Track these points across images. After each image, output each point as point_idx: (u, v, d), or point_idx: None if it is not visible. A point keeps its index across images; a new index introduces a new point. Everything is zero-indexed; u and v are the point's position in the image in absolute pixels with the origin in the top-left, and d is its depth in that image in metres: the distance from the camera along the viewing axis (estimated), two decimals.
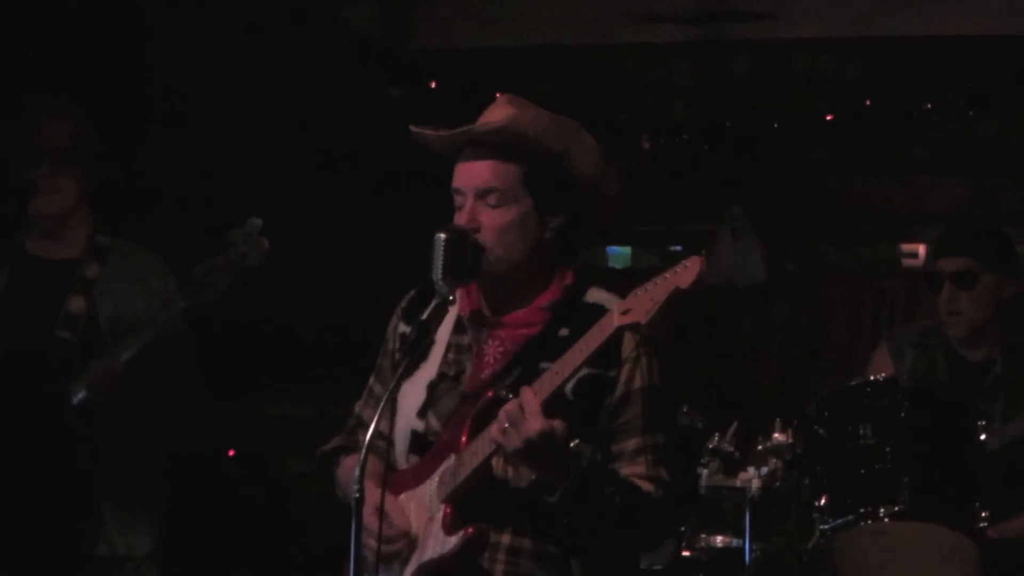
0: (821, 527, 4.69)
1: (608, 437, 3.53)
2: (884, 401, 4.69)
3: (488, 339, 3.61)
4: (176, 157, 6.53)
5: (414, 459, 3.65)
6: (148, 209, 6.12)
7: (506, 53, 6.77)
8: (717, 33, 6.67)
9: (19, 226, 4.83)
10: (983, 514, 4.57)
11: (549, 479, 3.39)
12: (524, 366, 3.51)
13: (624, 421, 3.52)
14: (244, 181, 6.46)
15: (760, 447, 5.06)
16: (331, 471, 3.83)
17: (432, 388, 3.65)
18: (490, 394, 3.48)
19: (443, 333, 3.67)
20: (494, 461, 3.47)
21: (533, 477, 3.43)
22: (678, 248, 7.05)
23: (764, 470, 5.02)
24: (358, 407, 3.87)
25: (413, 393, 3.65)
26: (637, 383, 3.52)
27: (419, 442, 3.64)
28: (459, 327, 3.68)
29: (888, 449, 4.64)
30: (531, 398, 3.32)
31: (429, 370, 3.67)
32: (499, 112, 3.56)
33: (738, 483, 5.09)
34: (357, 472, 3.34)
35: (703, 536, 5.24)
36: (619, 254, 7.30)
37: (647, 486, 3.50)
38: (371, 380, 3.85)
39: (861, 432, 4.68)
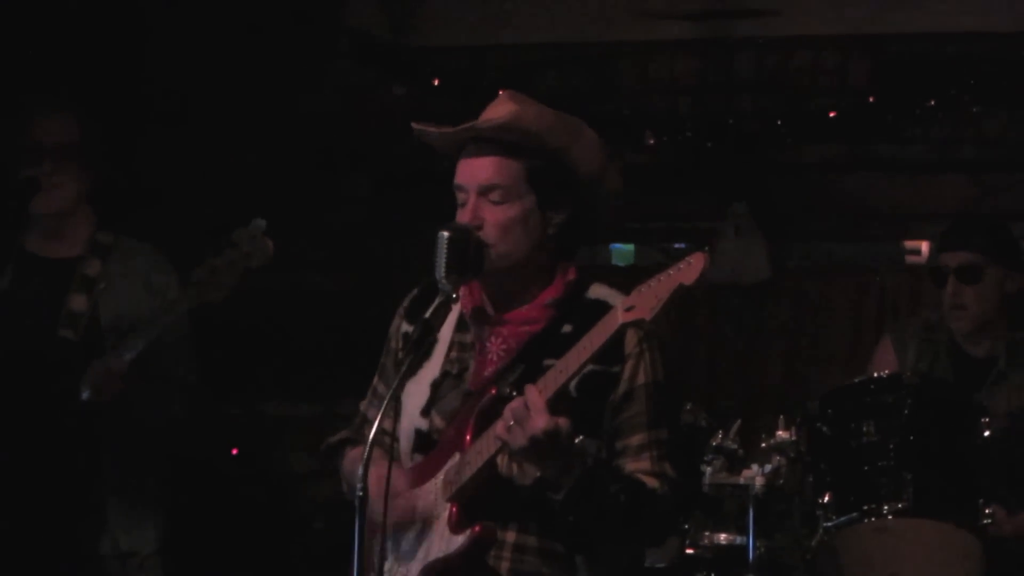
0: (824, 524, 4.69)
1: (612, 433, 3.53)
2: (887, 398, 4.69)
3: (491, 336, 3.61)
4: (178, 156, 6.53)
5: (418, 458, 3.64)
6: (150, 208, 6.12)
7: (509, 50, 6.77)
8: (721, 30, 6.66)
9: (20, 225, 4.83)
10: (986, 511, 4.57)
11: (554, 476, 3.38)
12: (527, 363, 3.51)
13: (628, 417, 3.52)
14: (246, 179, 6.45)
15: (763, 444, 5.06)
16: (336, 463, 3.82)
17: (435, 386, 3.65)
18: (493, 392, 3.48)
19: (446, 331, 3.66)
20: (499, 459, 3.46)
21: (538, 475, 3.43)
22: (681, 245, 7.04)
23: (767, 468, 5.02)
24: (363, 406, 3.87)
25: (417, 392, 3.65)
26: (641, 379, 3.52)
27: (423, 441, 3.64)
28: (462, 325, 3.68)
29: (891, 446, 4.63)
30: (536, 396, 3.32)
31: (432, 368, 3.66)
32: (501, 108, 3.55)
33: (742, 481, 5.08)
34: (360, 471, 3.33)
35: (707, 534, 5.24)
36: (622, 251, 7.29)
37: (652, 482, 3.50)
38: (375, 379, 3.85)
39: (864, 429, 4.68)
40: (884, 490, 4.60)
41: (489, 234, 3.52)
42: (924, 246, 7.00)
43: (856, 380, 4.84)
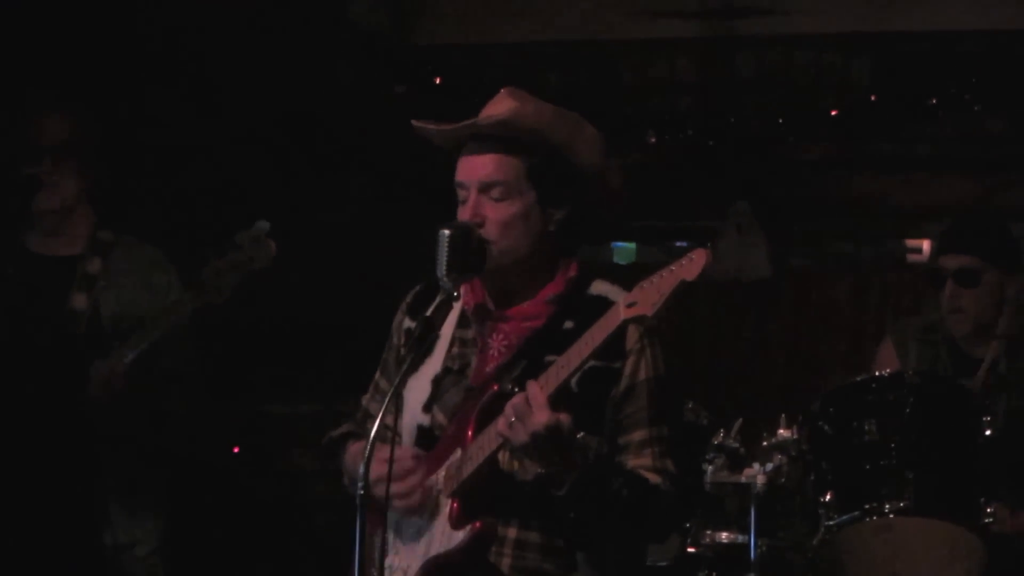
0: (826, 523, 4.68)
1: (614, 429, 3.53)
2: (889, 397, 4.68)
3: (492, 333, 3.61)
4: (180, 154, 6.53)
5: (420, 452, 3.64)
6: (152, 206, 6.12)
7: (511, 49, 6.78)
8: (723, 29, 6.66)
9: (21, 223, 4.83)
10: (988, 510, 4.57)
11: (556, 472, 3.39)
12: (529, 359, 3.51)
13: (630, 413, 3.52)
14: (248, 177, 6.46)
15: (765, 443, 5.05)
16: (338, 456, 3.83)
17: (437, 383, 3.65)
18: (495, 388, 3.48)
19: (447, 327, 3.67)
20: (501, 455, 3.47)
21: (540, 471, 3.43)
22: (683, 243, 7.05)
23: (769, 466, 5.02)
24: (364, 400, 3.87)
25: (418, 388, 3.65)
26: (642, 375, 3.52)
27: (425, 436, 3.64)
28: (463, 321, 3.68)
29: (893, 445, 4.62)
30: (537, 392, 3.32)
31: (434, 365, 3.67)
32: (501, 105, 3.56)
33: (743, 479, 5.08)
34: (362, 469, 3.34)
35: (708, 532, 5.23)
36: (624, 249, 7.30)
37: (654, 478, 3.50)
38: (376, 375, 3.86)
39: (866, 428, 4.67)
40: (886, 489, 4.59)
41: (490, 231, 3.52)
42: (925, 244, 7.00)
43: (858, 379, 4.83)
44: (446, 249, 3.47)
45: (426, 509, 3.55)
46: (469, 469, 3.45)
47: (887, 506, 4.57)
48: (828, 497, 4.69)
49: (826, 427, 4.79)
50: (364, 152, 6.71)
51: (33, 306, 4.75)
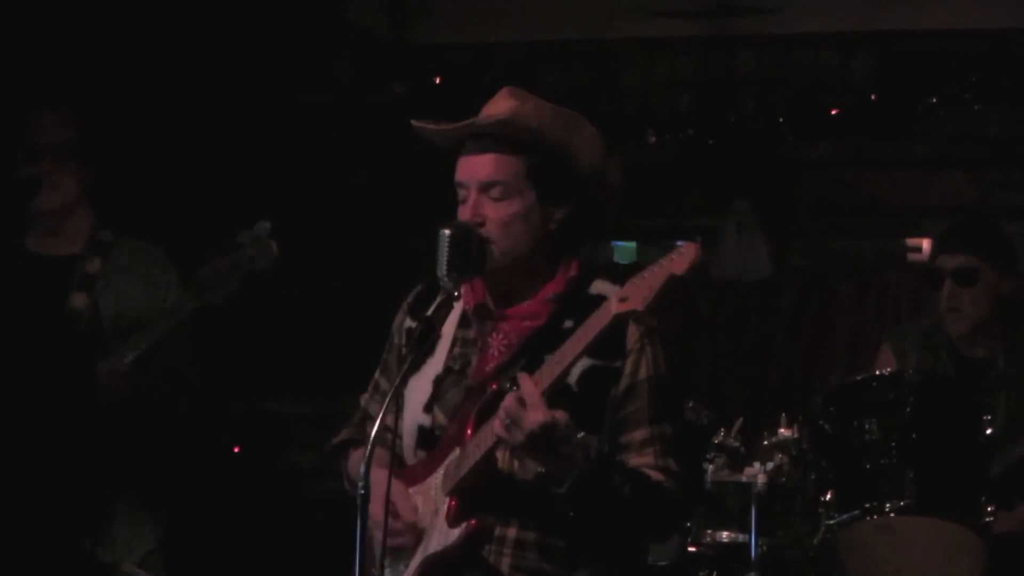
0: (827, 522, 4.69)
1: (615, 428, 3.52)
2: (889, 396, 4.69)
3: (493, 332, 3.61)
4: (180, 153, 6.53)
5: (421, 454, 3.64)
6: (152, 206, 6.12)
7: (511, 47, 6.77)
8: (722, 28, 6.66)
9: (21, 223, 4.83)
10: (989, 508, 4.57)
11: (556, 471, 3.38)
12: (529, 358, 3.50)
13: (631, 412, 3.52)
14: (248, 177, 6.45)
15: (766, 442, 5.06)
16: (339, 464, 3.83)
17: (438, 383, 3.65)
18: (494, 387, 3.48)
19: (448, 327, 3.67)
20: (499, 454, 3.46)
21: (540, 470, 3.43)
22: (683, 243, 7.03)
23: (770, 465, 5.02)
24: (363, 400, 3.87)
25: (419, 388, 3.65)
26: (643, 373, 3.52)
27: (426, 437, 3.64)
28: (464, 321, 3.68)
29: (893, 444, 4.63)
30: (532, 389, 3.32)
31: (435, 365, 3.67)
32: (501, 105, 3.55)
33: (744, 478, 5.08)
34: (362, 469, 3.34)
35: (709, 531, 5.23)
36: (624, 249, 7.29)
37: (656, 476, 3.50)
38: (376, 375, 3.85)
39: (867, 427, 4.67)
40: (886, 488, 4.60)
41: (490, 230, 3.52)
42: (926, 243, 6.99)
43: (858, 378, 4.84)
44: (447, 249, 3.47)
45: (412, 548, 3.55)
46: (466, 467, 3.45)
47: (888, 505, 4.57)
48: (829, 496, 4.70)
49: (827, 426, 4.79)
50: (364, 151, 6.71)
51: (32, 306, 4.74)
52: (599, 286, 3.60)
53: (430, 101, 6.45)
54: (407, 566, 3.55)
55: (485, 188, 3.53)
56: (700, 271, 3.27)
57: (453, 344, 3.67)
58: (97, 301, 4.76)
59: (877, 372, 4.84)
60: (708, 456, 5.17)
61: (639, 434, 3.51)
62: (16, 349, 4.64)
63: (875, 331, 6.26)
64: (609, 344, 3.41)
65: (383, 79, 6.68)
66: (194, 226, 5.85)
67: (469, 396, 3.57)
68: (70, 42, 6.03)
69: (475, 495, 3.48)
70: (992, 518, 4.57)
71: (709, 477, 5.15)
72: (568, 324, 3.50)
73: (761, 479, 5.03)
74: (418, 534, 3.55)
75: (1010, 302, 5.05)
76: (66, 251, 4.83)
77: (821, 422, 4.81)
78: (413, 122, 3.66)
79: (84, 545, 4.43)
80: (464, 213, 3.55)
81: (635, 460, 3.51)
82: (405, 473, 3.63)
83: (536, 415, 3.29)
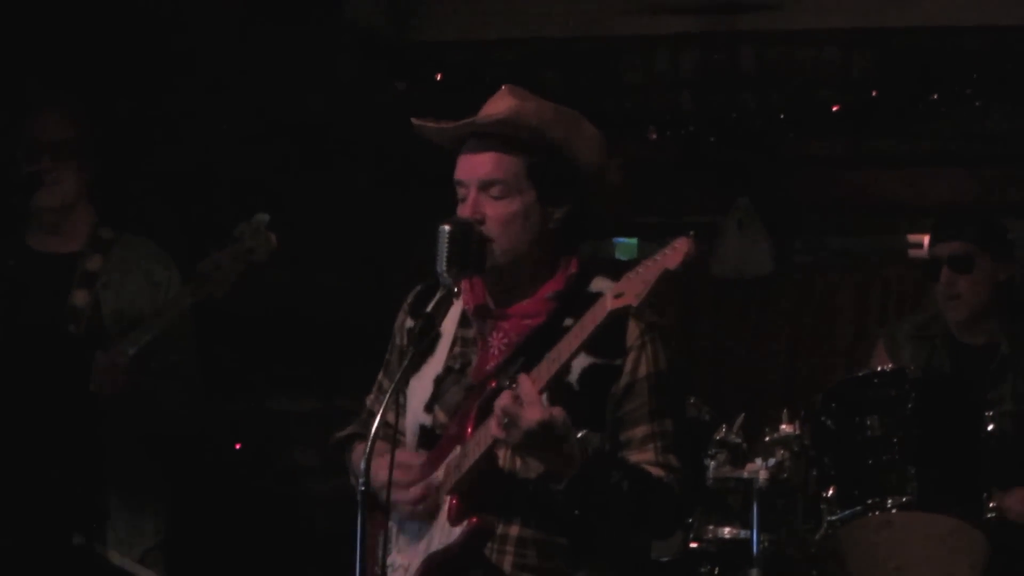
0: (828, 518, 4.69)
1: (616, 426, 3.53)
2: (891, 392, 4.69)
3: (493, 331, 3.61)
4: (180, 152, 6.53)
5: (422, 453, 3.64)
6: (152, 203, 6.12)
7: (512, 45, 6.77)
8: (724, 24, 6.66)
9: (22, 221, 4.83)
10: (990, 505, 4.57)
11: (555, 468, 3.38)
12: (529, 356, 3.50)
13: (631, 409, 3.52)
14: (249, 175, 6.45)
15: (767, 438, 5.06)
16: (344, 457, 3.83)
17: (439, 382, 3.65)
18: (494, 385, 3.48)
19: (449, 327, 3.67)
20: (501, 452, 3.47)
21: (541, 468, 3.43)
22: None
23: (771, 461, 5.02)
24: (368, 401, 3.88)
25: (420, 387, 3.66)
26: (643, 371, 3.52)
27: (427, 436, 3.65)
28: (464, 321, 3.68)
29: (895, 440, 4.64)
30: (529, 386, 3.32)
31: (436, 364, 3.67)
32: (501, 103, 3.55)
33: (745, 474, 5.08)
34: (363, 465, 3.34)
35: (711, 528, 5.23)
36: (625, 245, 7.29)
37: (657, 472, 3.50)
38: (380, 375, 3.86)
39: (868, 423, 4.68)
40: (888, 484, 4.61)
41: (490, 229, 3.52)
42: (927, 239, 6.99)
43: (860, 374, 4.85)
44: (446, 245, 3.48)
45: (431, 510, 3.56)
46: (467, 465, 3.45)
47: (889, 501, 4.58)
48: (830, 492, 4.71)
49: (828, 422, 4.80)
50: (364, 150, 6.70)
51: (34, 303, 4.75)
52: (599, 283, 3.60)
53: (431, 99, 6.44)
54: (412, 535, 3.55)
55: (485, 187, 3.53)
56: (694, 265, 3.28)
57: (453, 343, 3.68)
58: (98, 298, 4.76)
59: (879, 369, 4.85)
60: (710, 452, 5.17)
61: (640, 431, 3.52)
62: (14, 348, 4.65)
63: (877, 327, 6.25)
64: (609, 342, 3.42)
65: (383, 78, 6.68)
66: (194, 225, 5.85)
67: (470, 395, 3.58)
68: (71, 40, 6.03)
69: (476, 494, 3.48)
70: (994, 514, 4.58)
71: (711, 473, 5.15)
72: (568, 322, 3.49)
73: (763, 475, 5.03)
74: (435, 504, 3.54)
75: (1010, 289, 5.06)
76: (67, 249, 4.83)
77: (823, 418, 4.82)
78: (413, 121, 3.66)
79: (74, 539, 4.44)
80: (464, 212, 3.55)
81: (636, 457, 3.51)
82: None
83: (533, 413, 3.29)
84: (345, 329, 6.30)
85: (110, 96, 5.82)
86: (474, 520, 3.44)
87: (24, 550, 4.54)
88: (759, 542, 5.05)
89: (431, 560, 3.50)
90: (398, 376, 3.47)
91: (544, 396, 3.34)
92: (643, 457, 3.51)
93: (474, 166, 3.55)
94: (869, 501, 4.61)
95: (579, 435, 3.39)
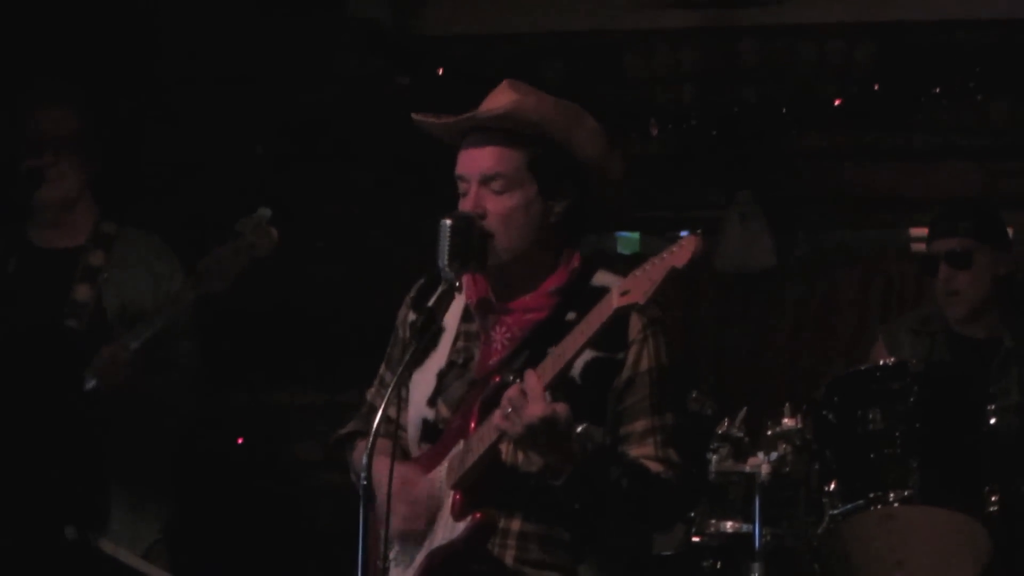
0: (831, 512, 4.69)
1: (617, 420, 3.53)
2: (893, 386, 4.69)
3: (496, 325, 3.61)
4: (182, 146, 6.53)
5: (425, 447, 3.65)
6: (154, 198, 6.12)
7: (513, 39, 6.76)
8: (725, 18, 6.65)
9: (24, 216, 4.83)
10: (992, 498, 4.57)
11: (555, 463, 3.38)
12: (531, 351, 3.51)
13: (632, 403, 3.53)
14: (251, 170, 6.45)
15: (769, 432, 5.05)
16: (346, 455, 3.84)
17: (441, 376, 3.66)
18: (497, 379, 3.48)
19: (452, 322, 3.67)
20: (503, 447, 3.47)
21: (543, 462, 3.43)
22: (686, 233, 7.02)
23: (773, 455, 5.01)
24: (370, 395, 3.87)
25: (423, 382, 3.66)
26: (644, 365, 3.52)
27: (429, 430, 3.65)
28: (467, 315, 3.69)
29: (897, 434, 4.64)
30: (535, 382, 3.32)
31: (439, 359, 3.67)
32: (502, 98, 3.56)
33: (747, 468, 5.07)
34: (364, 460, 3.34)
35: (713, 522, 5.23)
36: (628, 239, 7.28)
37: (656, 467, 3.50)
38: (382, 369, 3.86)
39: (870, 417, 4.68)
40: (890, 478, 4.60)
41: (492, 224, 3.53)
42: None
43: (862, 368, 4.85)
44: (448, 239, 3.48)
45: (427, 528, 3.55)
46: (470, 460, 3.46)
47: (891, 495, 4.58)
48: (832, 486, 4.71)
49: (830, 416, 4.80)
50: (367, 143, 6.70)
51: (36, 298, 4.75)
52: (601, 277, 3.60)
53: (433, 93, 6.43)
54: (418, 551, 3.56)
55: (486, 181, 3.53)
56: (701, 263, 3.27)
57: (456, 338, 3.68)
58: (100, 293, 4.76)
59: (881, 362, 4.84)
60: (712, 446, 5.16)
61: (640, 425, 3.52)
62: (14, 345, 4.65)
63: (879, 321, 6.25)
64: (611, 336, 3.42)
65: (386, 71, 6.67)
66: (196, 219, 5.85)
67: (472, 389, 3.58)
68: (73, 35, 6.03)
69: (480, 488, 3.48)
70: (995, 508, 4.58)
71: (713, 467, 5.14)
72: (571, 316, 3.50)
73: (765, 469, 5.02)
74: (431, 520, 3.55)
75: (1010, 281, 5.05)
76: (69, 243, 4.83)
77: (825, 412, 4.82)
78: (414, 115, 3.66)
79: (67, 532, 4.44)
80: (465, 206, 3.55)
81: (636, 451, 3.51)
82: (410, 466, 3.63)
83: (536, 408, 3.29)
84: (347, 323, 6.30)
85: (112, 91, 5.82)
86: (478, 515, 3.44)
87: (24, 550, 4.54)
88: (761, 536, 5.05)
89: (434, 555, 3.50)
90: (400, 370, 3.47)
91: (547, 393, 3.34)
92: (643, 451, 3.51)
93: (475, 160, 3.55)
94: (871, 495, 4.60)
95: (580, 428, 3.39)
